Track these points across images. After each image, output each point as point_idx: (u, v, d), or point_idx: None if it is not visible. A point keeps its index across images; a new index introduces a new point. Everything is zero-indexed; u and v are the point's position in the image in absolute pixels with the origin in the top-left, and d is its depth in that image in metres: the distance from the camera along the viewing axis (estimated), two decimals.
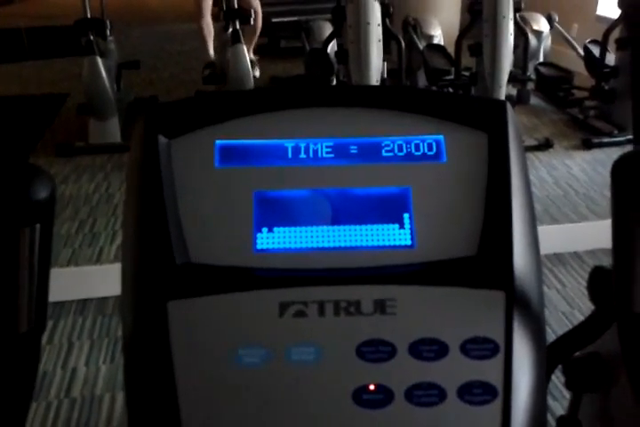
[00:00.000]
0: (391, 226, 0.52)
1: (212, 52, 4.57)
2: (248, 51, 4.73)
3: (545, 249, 2.34)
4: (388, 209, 0.53)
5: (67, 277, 2.32)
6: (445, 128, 0.55)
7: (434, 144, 0.55)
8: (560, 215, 2.84)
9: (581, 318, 0.61)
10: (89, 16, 3.59)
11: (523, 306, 0.48)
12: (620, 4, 3.20)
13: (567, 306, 2.19)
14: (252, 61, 4.02)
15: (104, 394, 1.82)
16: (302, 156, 0.54)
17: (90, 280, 2.38)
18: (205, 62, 4.48)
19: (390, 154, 0.55)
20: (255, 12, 4.43)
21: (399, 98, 0.56)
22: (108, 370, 1.92)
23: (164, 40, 6.55)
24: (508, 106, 0.56)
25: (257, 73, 4.39)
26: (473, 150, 0.54)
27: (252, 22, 3.97)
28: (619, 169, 0.45)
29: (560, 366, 0.69)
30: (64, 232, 2.71)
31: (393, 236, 0.52)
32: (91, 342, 2.06)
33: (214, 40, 4.59)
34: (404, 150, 0.55)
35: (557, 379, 0.69)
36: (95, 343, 2.05)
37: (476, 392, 0.45)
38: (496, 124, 0.54)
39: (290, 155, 0.54)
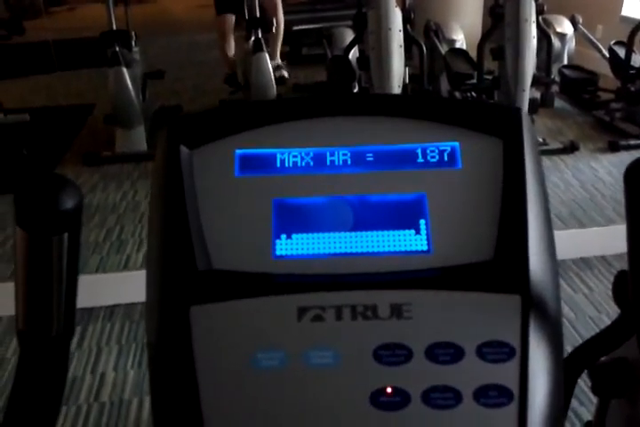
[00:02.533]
0: (408, 232, 0.53)
1: (233, 67, 4.59)
2: (274, 56, 4.77)
3: (571, 253, 2.30)
4: (404, 215, 0.53)
5: (95, 283, 2.36)
6: (461, 135, 0.55)
7: (449, 151, 0.55)
8: (586, 219, 2.81)
9: (609, 322, 0.61)
10: (114, 28, 3.66)
11: (539, 310, 0.48)
12: None
13: (595, 311, 2.16)
14: (279, 66, 4.04)
15: (132, 399, 1.85)
16: (319, 164, 0.55)
17: (118, 286, 2.41)
18: (225, 74, 4.52)
19: (406, 161, 0.55)
20: (277, 20, 4.46)
21: (415, 106, 0.57)
22: (136, 375, 1.94)
23: (188, 50, 6.64)
24: (524, 113, 0.56)
25: (286, 74, 4.39)
26: (488, 157, 0.54)
27: (274, 30, 4.00)
28: (632, 173, 0.45)
29: (586, 371, 0.68)
30: (92, 240, 2.76)
31: (409, 241, 0.52)
32: (119, 347, 2.09)
33: (236, 51, 4.63)
34: (420, 157, 0.55)
35: (585, 384, 0.69)
36: (123, 349, 2.08)
37: (491, 395, 0.45)
38: (511, 131, 0.55)
39: (307, 163, 0.56)
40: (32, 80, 5.66)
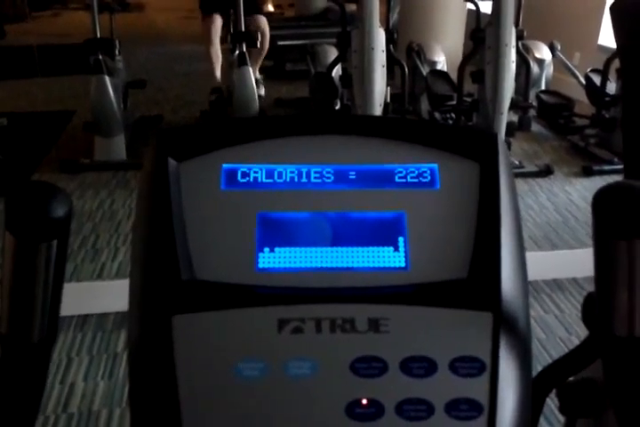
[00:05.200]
0: (386, 248, 0.54)
1: (218, 76, 4.60)
2: (254, 70, 4.80)
3: (544, 275, 2.33)
4: (383, 232, 0.55)
5: (68, 292, 2.29)
6: (440, 157, 0.57)
7: (428, 172, 0.57)
8: (559, 241, 2.86)
9: (578, 343, 0.62)
10: (98, 36, 3.65)
11: (509, 327, 0.50)
12: (611, 11, 3.25)
13: (565, 332, 2.20)
14: (257, 80, 4.05)
15: (101, 410, 1.82)
16: (304, 180, 0.57)
17: (91, 296, 2.39)
18: (212, 87, 4.52)
19: (387, 180, 0.57)
20: (263, 34, 4.48)
21: (397, 128, 0.59)
22: (106, 386, 1.92)
23: (171, 60, 6.65)
24: (499, 137, 0.58)
25: (262, 91, 4.40)
26: (465, 179, 0.56)
27: (258, 44, 4.02)
28: (600, 200, 0.47)
29: (555, 391, 0.70)
30: None
31: (388, 258, 0.54)
32: (90, 357, 2.06)
33: (222, 64, 4.65)
34: (401, 177, 0.57)
35: (554, 403, 0.70)
36: (94, 359, 2.05)
37: (462, 408, 0.47)
38: (487, 155, 0.57)
39: (292, 179, 0.57)
40: (12, 84, 5.60)
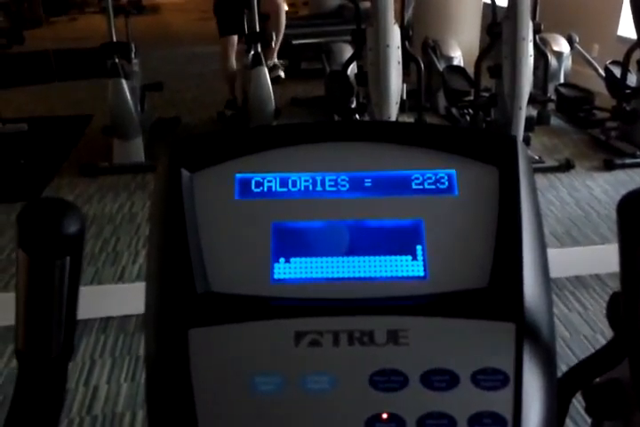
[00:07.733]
0: (404, 257, 0.53)
1: (234, 92, 4.59)
2: (272, 56, 4.78)
3: (566, 271, 2.29)
4: (401, 241, 0.54)
5: (90, 295, 2.34)
6: (458, 163, 0.56)
7: (446, 178, 0.56)
8: (581, 237, 2.82)
9: (603, 341, 0.61)
10: (114, 39, 3.68)
11: (533, 338, 0.49)
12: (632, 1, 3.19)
13: (589, 329, 2.17)
14: (275, 65, 4.02)
15: (125, 412, 1.84)
16: (318, 188, 0.56)
17: (112, 298, 2.41)
18: (226, 100, 4.51)
19: (404, 187, 0.56)
20: (279, 13, 4.41)
21: (413, 133, 0.58)
22: (129, 388, 1.93)
23: (187, 62, 6.68)
24: (519, 141, 0.57)
25: (282, 74, 4.34)
26: (484, 185, 0.55)
27: (274, 29, 3.95)
28: (625, 206, 0.46)
29: (581, 392, 0.68)
30: (88, 251, 2.75)
31: (406, 267, 0.53)
32: (112, 359, 2.08)
33: (236, 64, 4.65)
34: (418, 184, 0.56)
35: (580, 404, 0.69)
36: (117, 361, 2.07)
37: (485, 422, 0.46)
38: (507, 160, 0.55)
39: (306, 187, 0.56)
40: (31, 90, 5.67)
